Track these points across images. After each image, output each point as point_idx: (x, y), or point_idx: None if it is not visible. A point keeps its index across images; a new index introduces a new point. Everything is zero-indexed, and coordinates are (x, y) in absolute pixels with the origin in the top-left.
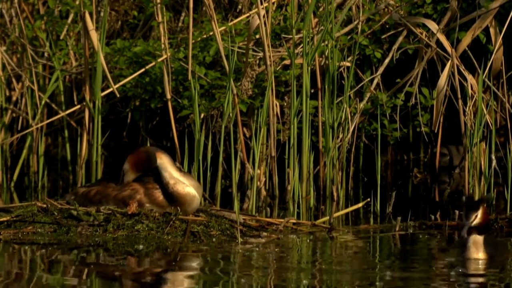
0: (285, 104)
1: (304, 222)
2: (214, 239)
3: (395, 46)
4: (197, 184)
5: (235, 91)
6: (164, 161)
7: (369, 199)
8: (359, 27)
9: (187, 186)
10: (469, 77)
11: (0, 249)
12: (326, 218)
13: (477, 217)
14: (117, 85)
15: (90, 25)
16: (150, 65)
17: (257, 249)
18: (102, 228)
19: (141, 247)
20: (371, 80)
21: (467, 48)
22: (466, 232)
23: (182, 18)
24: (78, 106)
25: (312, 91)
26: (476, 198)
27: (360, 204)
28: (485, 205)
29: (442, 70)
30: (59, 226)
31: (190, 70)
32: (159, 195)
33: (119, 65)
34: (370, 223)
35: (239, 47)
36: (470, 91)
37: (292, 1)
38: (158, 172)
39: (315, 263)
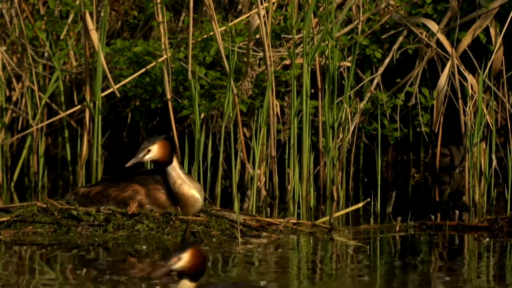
0: (285, 104)
1: (304, 222)
2: (214, 239)
3: (395, 46)
4: (199, 187)
5: (235, 91)
6: (174, 161)
7: (369, 199)
8: (359, 27)
9: (192, 189)
10: (469, 77)
11: (0, 249)
12: (326, 218)
13: (180, 260)
14: (117, 85)
15: (91, 25)
16: (150, 65)
17: (258, 249)
18: (102, 228)
19: (144, 247)
20: (371, 80)
21: (467, 48)
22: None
23: (182, 18)
24: (79, 106)
25: (312, 91)
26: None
27: (360, 204)
28: (195, 249)
29: (442, 70)
30: (59, 226)
31: (190, 70)
32: (160, 195)
33: (119, 65)
34: (370, 223)
35: (239, 47)
36: (470, 91)
37: (292, 1)
38: (164, 171)
39: (315, 263)
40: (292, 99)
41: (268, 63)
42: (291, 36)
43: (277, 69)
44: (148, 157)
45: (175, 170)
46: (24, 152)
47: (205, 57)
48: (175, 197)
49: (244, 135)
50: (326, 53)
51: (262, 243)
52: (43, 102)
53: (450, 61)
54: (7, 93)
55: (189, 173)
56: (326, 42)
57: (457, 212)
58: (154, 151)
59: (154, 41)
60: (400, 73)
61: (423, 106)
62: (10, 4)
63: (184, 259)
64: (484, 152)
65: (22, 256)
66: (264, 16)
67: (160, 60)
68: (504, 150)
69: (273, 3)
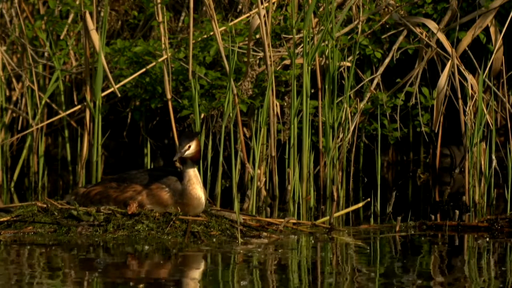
0: (285, 104)
1: (304, 222)
2: (214, 239)
3: (395, 46)
4: (204, 191)
5: (235, 91)
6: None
7: (369, 199)
8: (359, 27)
9: (201, 192)
10: (469, 77)
11: (0, 249)
12: (326, 218)
13: None
14: (117, 85)
15: (91, 25)
16: (151, 65)
17: (258, 249)
18: (102, 228)
19: (146, 247)
20: (371, 80)
21: (467, 48)
22: None
23: (182, 18)
24: (79, 106)
25: (312, 91)
26: None
27: (360, 204)
28: None
29: (442, 70)
30: (59, 226)
31: (191, 70)
32: (164, 194)
33: (120, 65)
34: (370, 223)
35: (239, 47)
36: (470, 91)
37: (292, 1)
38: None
39: (315, 264)
40: (292, 99)
41: (268, 63)
42: (291, 36)
43: (277, 69)
44: (187, 152)
45: (194, 170)
46: (24, 152)
47: (205, 57)
48: (182, 195)
49: (244, 135)
50: (326, 53)
51: (262, 243)
52: (43, 102)
53: (450, 61)
54: (7, 93)
55: None
56: (326, 42)
57: (457, 212)
58: (193, 147)
59: (154, 41)
60: (400, 73)
61: (423, 106)
62: (10, 4)
63: None
64: (484, 152)
65: (22, 256)
66: (264, 16)
67: (160, 60)
68: (504, 150)
69: (273, 3)
